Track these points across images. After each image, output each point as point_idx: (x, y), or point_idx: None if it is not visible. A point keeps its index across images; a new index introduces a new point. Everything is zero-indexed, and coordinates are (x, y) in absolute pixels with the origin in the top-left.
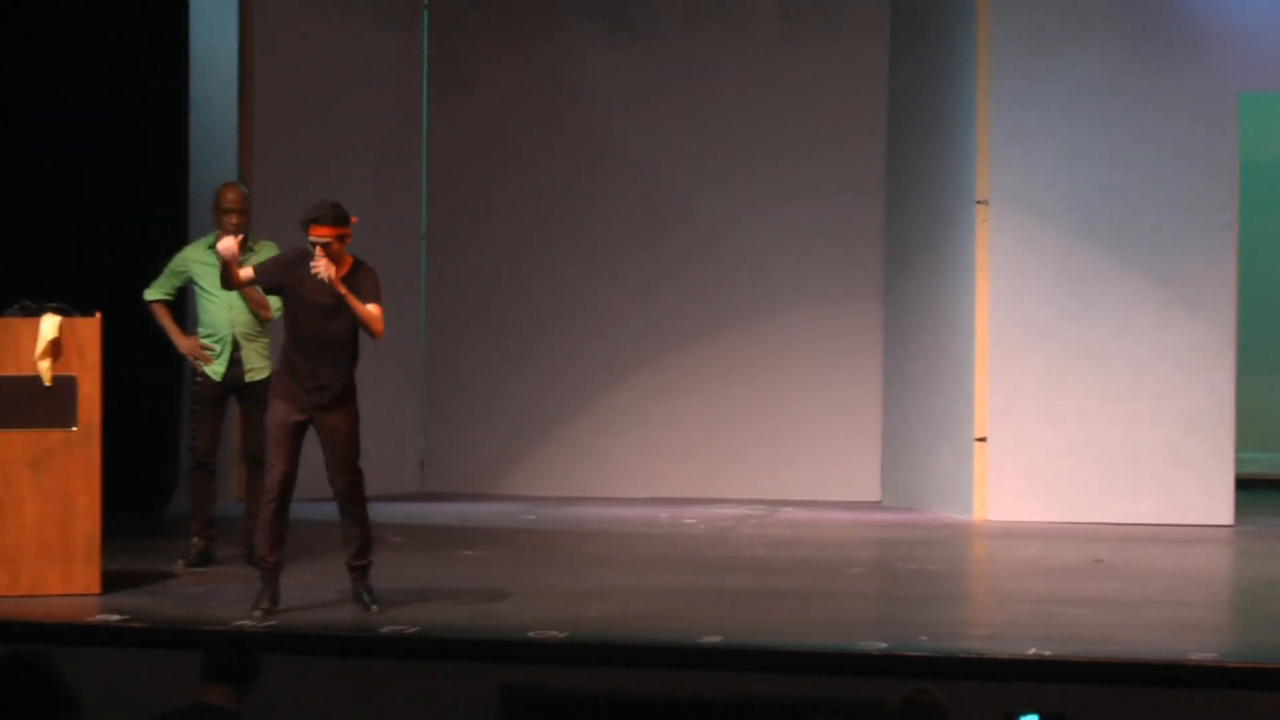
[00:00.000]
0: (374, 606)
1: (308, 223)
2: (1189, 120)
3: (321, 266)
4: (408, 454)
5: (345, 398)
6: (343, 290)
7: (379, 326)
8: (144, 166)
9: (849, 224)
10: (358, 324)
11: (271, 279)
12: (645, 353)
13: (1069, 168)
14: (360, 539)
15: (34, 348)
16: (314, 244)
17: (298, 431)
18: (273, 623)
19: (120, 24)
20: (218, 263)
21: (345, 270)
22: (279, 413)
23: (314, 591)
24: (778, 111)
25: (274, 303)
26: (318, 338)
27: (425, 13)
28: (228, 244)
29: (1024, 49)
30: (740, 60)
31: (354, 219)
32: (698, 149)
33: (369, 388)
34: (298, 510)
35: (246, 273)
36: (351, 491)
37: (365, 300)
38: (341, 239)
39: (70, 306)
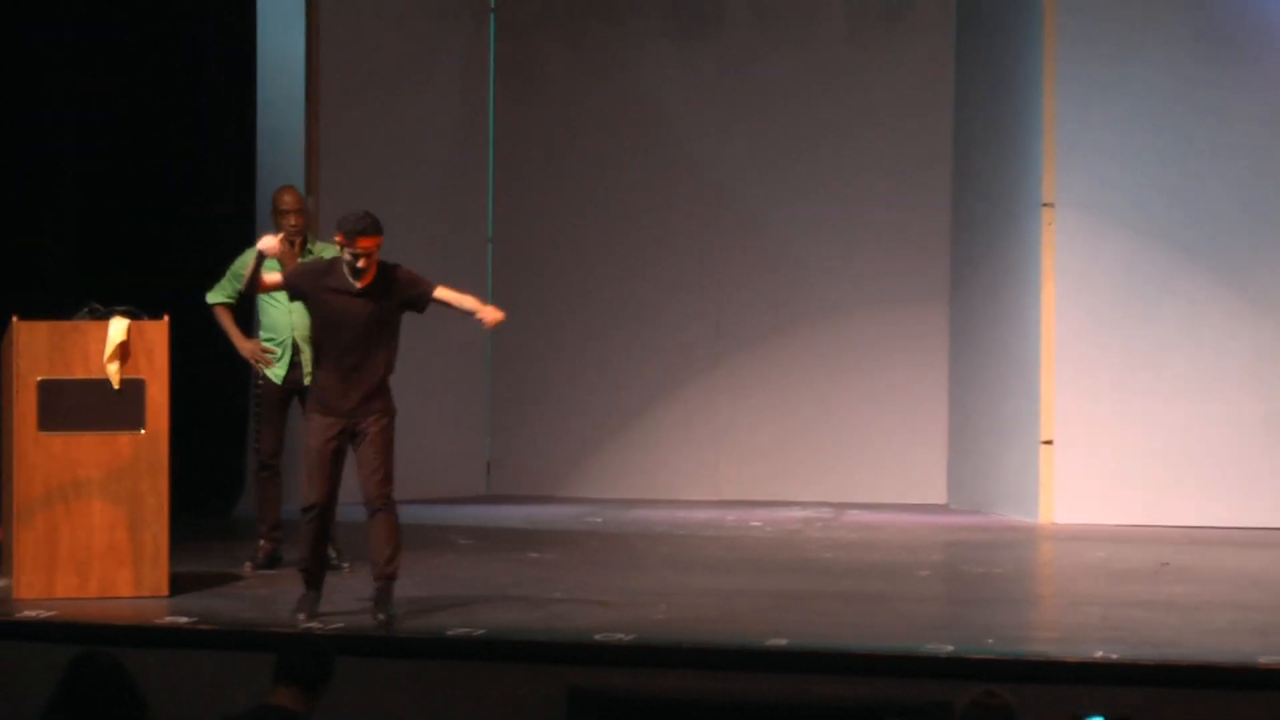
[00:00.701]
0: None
1: (354, 234)
2: (1254, 123)
3: (487, 315)
4: (474, 457)
5: (382, 408)
6: (446, 298)
7: (487, 309)
8: (212, 169)
9: (915, 227)
10: (388, 334)
11: (299, 286)
12: (711, 355)
13: (1135, 171)
14: (390, 547)
15: (102, 351)
16: (357, 255)
17: (337, 458)
18: (341, 625)
19: (189, 27)
20: (279, 265)
21: (370, 278)
22: (315, 437)
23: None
24: (843, 114)
25: None
26: (346, 350)
27: (492, 15)
28: (269, 242)
29: (1090, 52)
30: (806, 62)
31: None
32: (763, 151)
33: (435, 391)
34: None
35: (273, 278)
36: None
37: (423, 289)
38: (379, 248)
39: (138, 309)
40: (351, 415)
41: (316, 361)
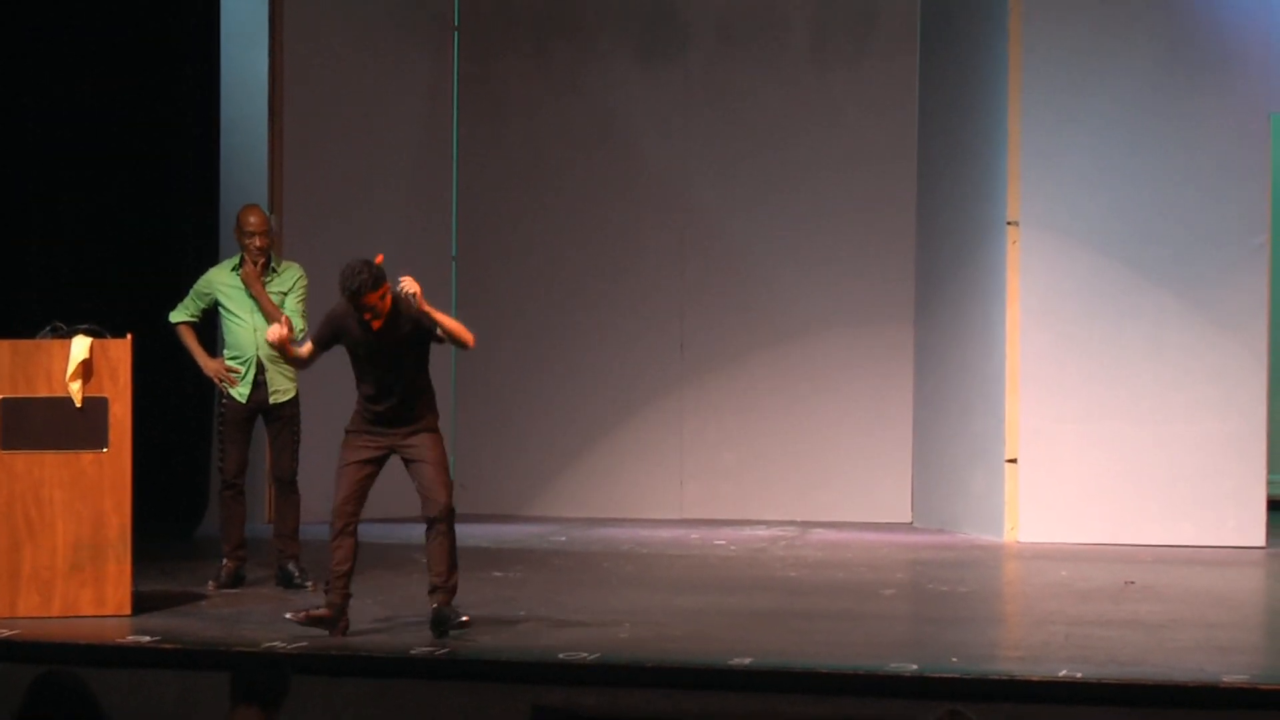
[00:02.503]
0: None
1: (355, 295)
2: (1221, 142)
3: (406, 284)
4: None
5: (426, 425)
6: (430, 310)
7: (468, 334)
8: (175, 189)
9: (880, 246)
10: (416, 356)
11: (325, 338)
12: (676, 375)
13: (1100, 189)
14: (449, 562)
15: (65, 369)
16: (362, 310)
17: (370, 479)
18: (303, 643)
19: (151, 47)
20: (243, 285)
21: (383, 321)
22: (353, 455)
23: (348, 611)
24: (809, 133)
25: (298, 324)
26: (381, 381)
27: (455, 33)
28: (276, 332)
29: (1055, 70)
30: (771, 82)
31: (379, 258)
32: (729, 171)
33: None
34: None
35: (305, 349)
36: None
37: (426, 320)
38: (383, 296)
39: (101, 328)
40: (393, 438)
41: (361, 399)
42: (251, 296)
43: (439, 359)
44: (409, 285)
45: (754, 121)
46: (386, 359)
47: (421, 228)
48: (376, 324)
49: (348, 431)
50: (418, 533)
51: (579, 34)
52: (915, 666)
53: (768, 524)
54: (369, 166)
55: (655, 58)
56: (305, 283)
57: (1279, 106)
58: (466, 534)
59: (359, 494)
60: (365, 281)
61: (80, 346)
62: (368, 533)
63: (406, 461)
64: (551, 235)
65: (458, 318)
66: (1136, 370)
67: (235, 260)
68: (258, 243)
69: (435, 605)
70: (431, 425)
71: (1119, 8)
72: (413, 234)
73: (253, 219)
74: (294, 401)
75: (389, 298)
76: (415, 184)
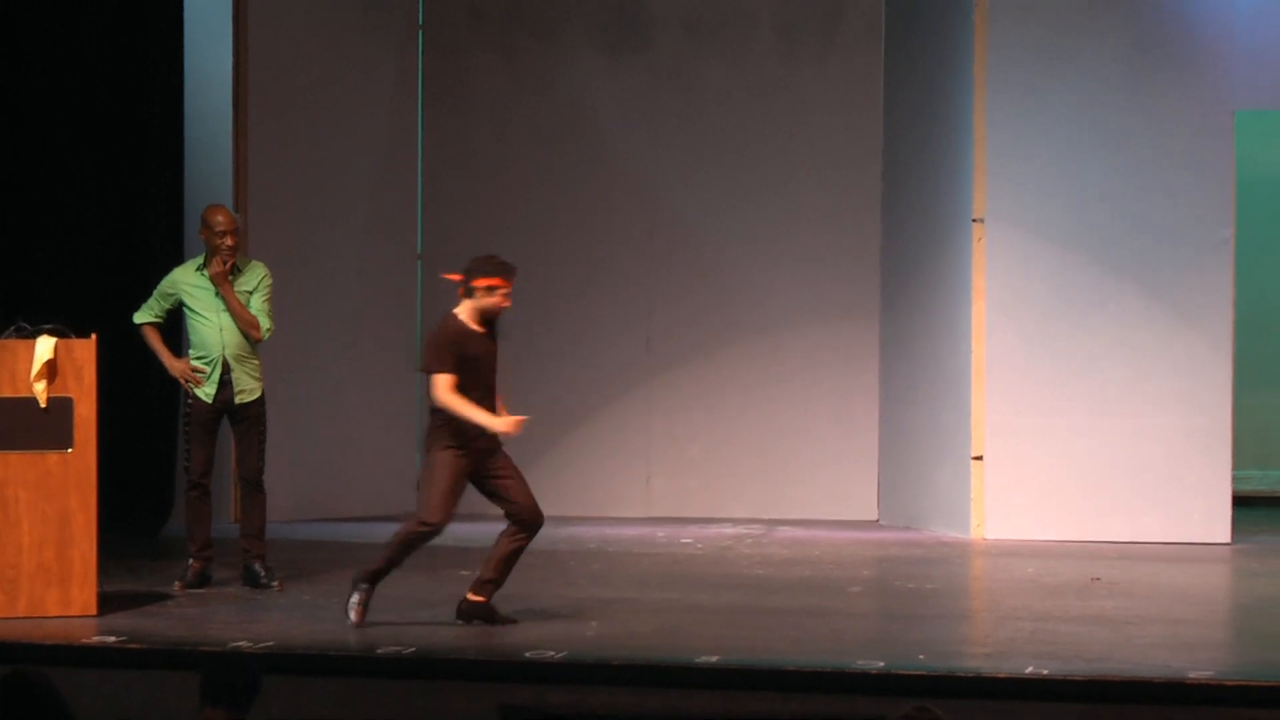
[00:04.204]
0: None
1: (510, 270)
2: (1186, 138)
3: None
4: (405, 474)
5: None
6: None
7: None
8: (139, 186)
9: (846, 242)
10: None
11: (455, 361)
12: (643, 371)
13: (1066, 185)
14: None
15: (30, 369)
16: (493, 291)
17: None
18: (270, 643)
19: (115, 42)
20: (208, 284)
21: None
22: (453, 467)
23: (313, 611)
24: (775, 129)
25: (264, 323)
26: (485, 390)
27: (420, 31)
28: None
29: (1020, 67)
30: (738, 78)
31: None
32: (695, 166)
33: (365, 409)
34: (313, 530)
35: (450, 379)
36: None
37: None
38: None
39: (66, 328)
40: (484, 450)
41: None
42: (218, 296)
43: (401, 359)
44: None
45: (721, 117)
46: (491, 363)
47: (386, 225)
48: (507, 304)
49: (451, 448)
50: (380, 530)
51: (544, 31)
52: (882, 664)
53: (734, 521)
54: (334, 163)
55: (621, 54)
56: (270, 281)
57: (1243, 103)
58: None
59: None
60: (507, 267)
61: (45, 346)
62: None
63: (491, 478)
64: (517, 232)
65: (423, 315)
66: (1102, 366)
67: (200, 260)
68: (229, 242)
69: (485, 599)
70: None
71: (1084, 5)
72: (378, 231)
73: (221, 218)
74: (260, 401)
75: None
76: (380, 181)
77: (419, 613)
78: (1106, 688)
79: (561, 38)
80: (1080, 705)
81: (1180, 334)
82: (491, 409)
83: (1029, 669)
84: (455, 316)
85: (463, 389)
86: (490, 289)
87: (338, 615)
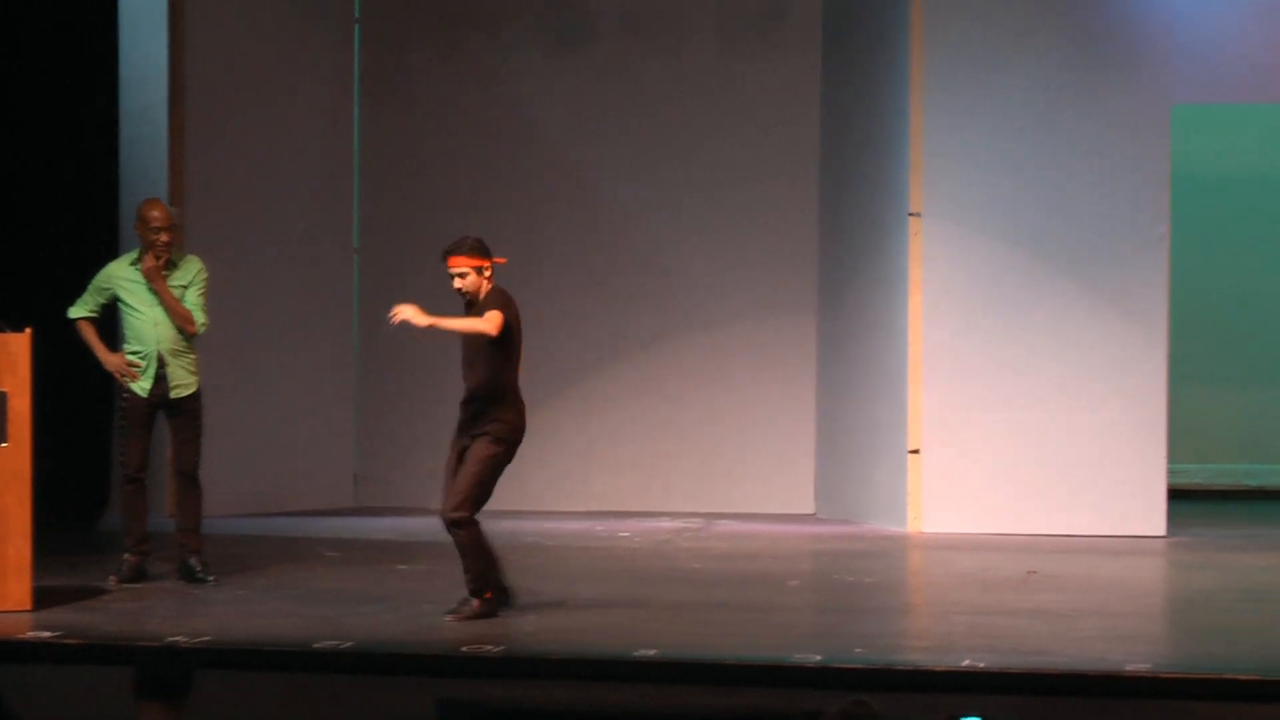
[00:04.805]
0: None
1: (445, 253)
2: (1122, 133)
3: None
4: (342, 468)
5: (482, 430)
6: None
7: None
8: (75, 181)
9: (784, 237)
10: (483, 354)
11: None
12: (581, 366)
13: (1003, 180)
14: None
15: None
16: (451, 275)
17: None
18: (206, 638)
19: (49, 36)
20: (143, 279)
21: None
22: (449, 452)
23: (250, 605)
24: (714, 126)
25: (199, 317)
26: (465, 372)
27: (357, 26)
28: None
29: (957, 63)
30: (677, 73)
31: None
32: (635, 161)
33: (302, 404)
34: (250, 525)
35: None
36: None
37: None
38: (479, 270)
39: (1, 322)
40: (465, 433)
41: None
42: (152, 291)
43: (339, 354)
44: (403, 315)
45: (660, 114)
46: (464, 345)
47: (324, 219)
48: (457, 285)
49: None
50: (324, 525)
51: (484, 27)
52: (820, 657)
53: (673, 515)
54: (270, 159)
55: (562, 49)
56: (205, 276)
57: (1180, 98)
58: (370, 527)
59: None
60: (458, 245)
61: None
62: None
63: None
64: (456, 227)
65: (360, 310)
66: (1038, 360)
67: (135, 254)
68: (164, 238)
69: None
70: (485, 430)
71: (1021, 2)
72: (315, 226)
73: (156, 214)
74: (196, 396)
75: (479, 283)
76: (317, 176)
77: (358, 607)
78: (1043, 681)
79: (502, 34)
80: (1017, 698)
81: (1116, 328)
82: (473, 404)
83: (966, 662)
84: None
85: (517, 367)
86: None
87: (274, 609)
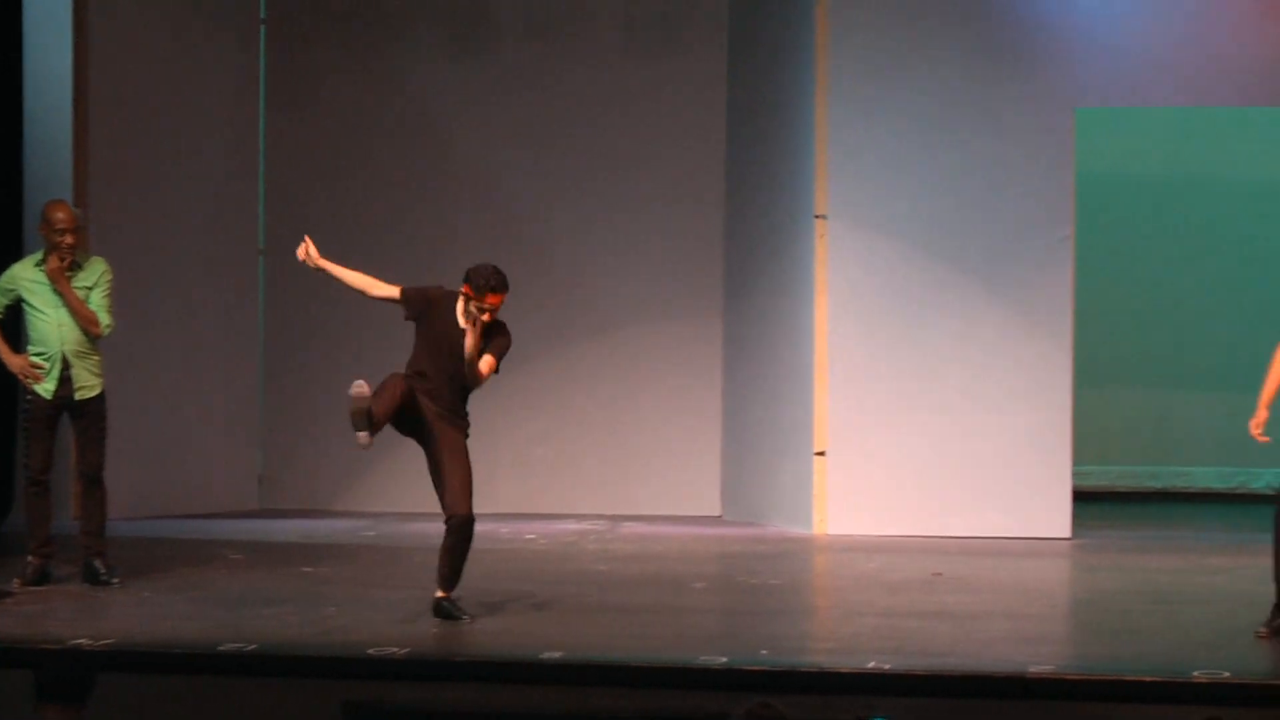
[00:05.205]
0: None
1: (484, 290)
2: (1027, 135)
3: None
4: (246, 470)
5: (455, 416)
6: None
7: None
8: None
9: (690, 240)
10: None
11: (416, 302)
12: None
13: (909, 183)
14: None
15: None
16: (483, 310)
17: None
18: (109, 640)
19: None
20: (47, 281)
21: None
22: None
23: (155, 608)
24: (619, 126)
25: (103, 319)
26: (444, 369)
27: (263, 27)
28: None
29: (863, 67)
30: (582, 75)
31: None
32: (540, 163)
33: (207, 404)
34: (154, 527)
35: (394, 290)
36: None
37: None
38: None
39: None
40: (437, 404)
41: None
42: (56, 292)
43: (244, 354)
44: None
45: (565, 113)
46: (452, 351)
47: (229, 221)
48: (487, 318)
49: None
50: (228, 527)
51: (389, 28)
52: (725, 659)
53: (579, 517)
54: (176, 159)
55: (465, 47)
56: (110, 277)
57: (1083, 101)
58: (275, 529)
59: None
60: (500, 281)
61: None
62: (176, 529)
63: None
64: (361, 228)
65: (265, 310)
66: (944, 362)
67: (39, 255)
68: (69, 240)
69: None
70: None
71: (926, 4)
72: (220, 227)
73: (60, 215)
74: (100, 398)
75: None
76: (222, 177)
77: (263, 609)
78: (948, 682)
79: (406, 35)
80: (923, 700)
81: (1021, 330)
82: (443, 393)
83: (871, 664)
84: (451, 292)
85: (425, 358)
86: (467, 296)
87: (178, 611)
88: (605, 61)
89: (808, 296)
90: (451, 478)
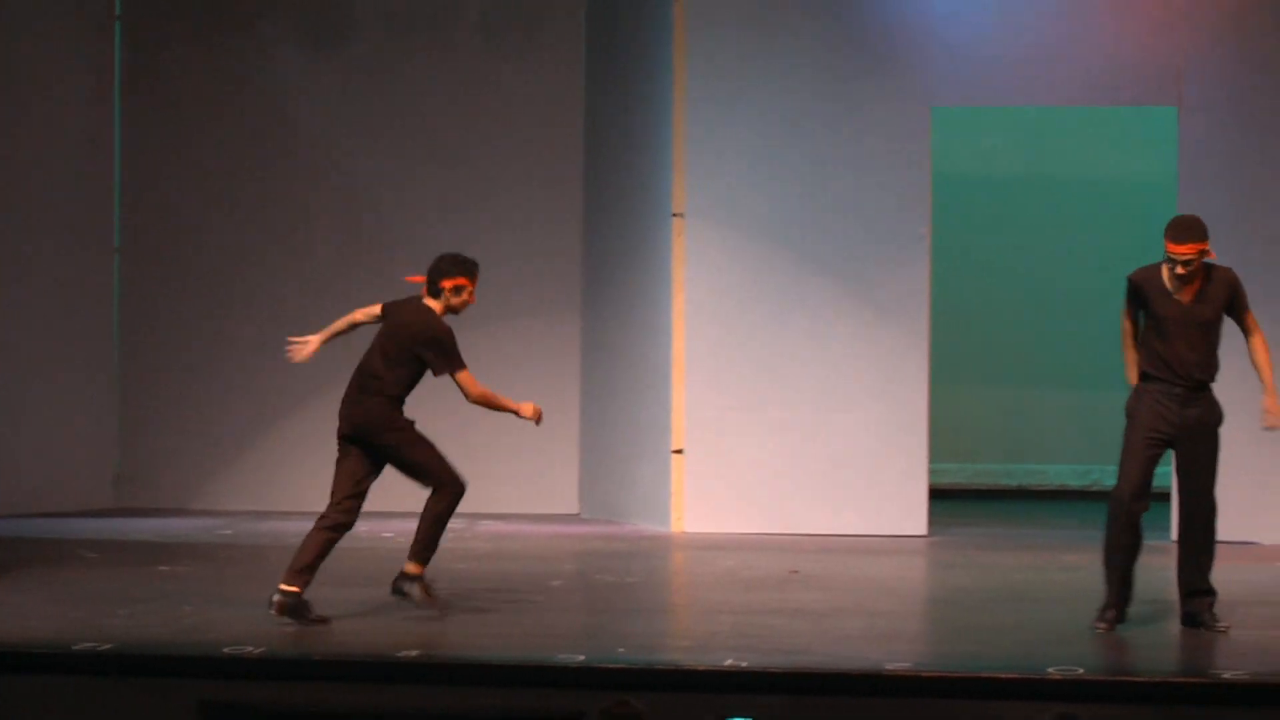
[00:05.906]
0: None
1: (461, 273)
2: (883, 134)
3: None
4: (102, 469)
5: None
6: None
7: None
8: None
9: (548, 237)
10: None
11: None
12: (343, 365)
13: (766, 181)
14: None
15: None
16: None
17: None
18: None
19: None
20: None
21: None
22: None
23: (8, 607)
24: (477, 125)
25: None
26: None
27: (117, 23)
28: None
29: (721, 64)
30: (439, 73)
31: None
32: (397, 163)
33: (60, 403)
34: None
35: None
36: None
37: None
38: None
39: None
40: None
41: None
42: None
43: (100, 351)
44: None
45: (422, 114)
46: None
47: (83, 219)
48: (473, 301)
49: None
50: (83, 526)
51: (243, 24)
52: (583, 657)
53: None
54: (28, 156)
55: (322, 44)
56: None
57: (939, 100)
58: (131, 528)
59: None
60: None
61: None
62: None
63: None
64: (220, 226)
65: (120, 309)
66: (801, 360)
67: None
68: None
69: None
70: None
71: (783, 3)
72: (74, 226)
73: None
74: None
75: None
76: (76, 175)
77: (118, 608)
78: (805, 680)
79: (261, 31)
80: (780, 697)
81: (878, 329)
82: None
83: (728, 661)
84: (438, 314)
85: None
86: (458, 289)
87: (32, 611)
88: (461, 57)
89: (665, 294)
90: (433, 464)
